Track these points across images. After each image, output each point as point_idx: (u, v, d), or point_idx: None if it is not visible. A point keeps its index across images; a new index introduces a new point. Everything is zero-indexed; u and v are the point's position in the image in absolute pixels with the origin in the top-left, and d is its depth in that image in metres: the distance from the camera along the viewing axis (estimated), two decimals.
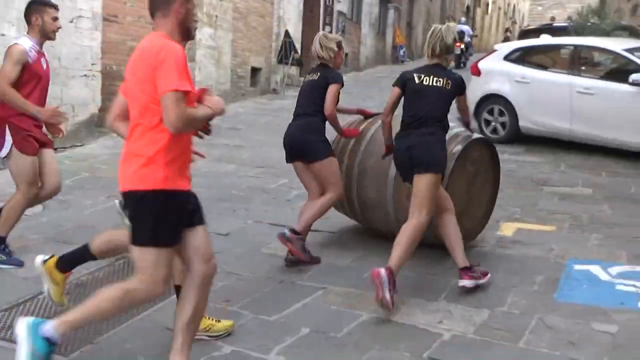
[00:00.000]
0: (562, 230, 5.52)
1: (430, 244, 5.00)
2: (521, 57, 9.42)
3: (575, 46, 8.94)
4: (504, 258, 4.84)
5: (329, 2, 17.98)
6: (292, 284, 4.37)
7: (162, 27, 2.98)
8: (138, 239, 2.91)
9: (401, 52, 25.49)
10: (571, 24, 15.56)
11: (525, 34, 17.04)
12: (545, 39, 9.67)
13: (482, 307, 3.94)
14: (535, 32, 16.67)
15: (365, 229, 5.50)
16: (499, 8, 50.95)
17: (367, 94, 15.35)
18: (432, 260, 4.78)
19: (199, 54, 11.08)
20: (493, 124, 9.52)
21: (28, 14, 4.51)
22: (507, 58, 9.48)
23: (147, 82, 2.81)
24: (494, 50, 9.85)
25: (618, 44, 8.65)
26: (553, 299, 4.06)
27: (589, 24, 13.87)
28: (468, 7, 40.94)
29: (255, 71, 13.82)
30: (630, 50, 8.42)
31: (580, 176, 7.52)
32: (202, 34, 11.13)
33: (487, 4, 46.76)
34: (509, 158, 8.52)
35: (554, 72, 9.05)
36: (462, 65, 20.73)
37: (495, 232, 5.47)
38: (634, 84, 7.93)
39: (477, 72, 9.78)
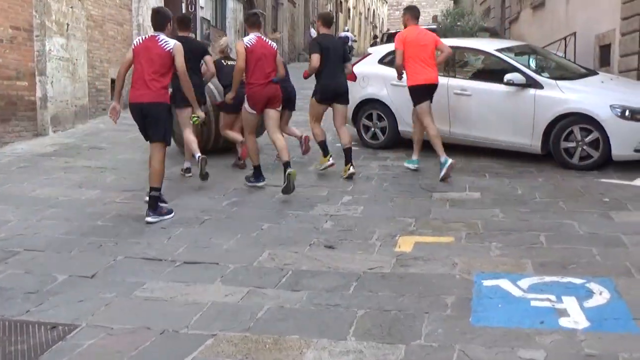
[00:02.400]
0: (461, 241, 5.23)
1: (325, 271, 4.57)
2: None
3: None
4: (408, 279, 4.44)
5: (191, 8, 17.18)
6: (175, 334, 3.71)
7: None
8: None
9: None
10: (440, 26, 15.78)
11: (391, 37, 17.11)
12: None
13: (396, 343, 3.49)
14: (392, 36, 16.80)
15: (248, 257, 4.93)
16: (360, 13, 52.10)
17: None
18: (330, 287, 4.30)
19: (49, 66, 9.97)
20: (372, 129, 9.25)
21: None
22: (382, 61, 9.23)
23: None
24: (368, 54, 9.60)
25: (490, 45, 8.65)
26: (470, 324, 3.69)
27: (456, 25, 14.07)
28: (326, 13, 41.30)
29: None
30: (501, 51, 8.44)
31: (465, 179, 7.36)
32: (52, 44, 10.03)
33: (349, 10, 47.61)
34: (392, 164, 8.30)
35: None
36: None
37: (394, 248, 5.08)
38: (508, 83, 7.91)
39: (352, 77, 9.45)
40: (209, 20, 18.39)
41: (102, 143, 9.61)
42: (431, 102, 7.63)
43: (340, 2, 44.79)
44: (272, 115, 6.95)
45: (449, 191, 6.87)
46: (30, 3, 9.74)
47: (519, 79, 7.85)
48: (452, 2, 48.59)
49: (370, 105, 9.21)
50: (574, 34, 11.68)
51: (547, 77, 7.98)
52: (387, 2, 65.03)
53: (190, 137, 7.30)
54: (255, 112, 6.92)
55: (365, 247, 5.13)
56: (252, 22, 7.15)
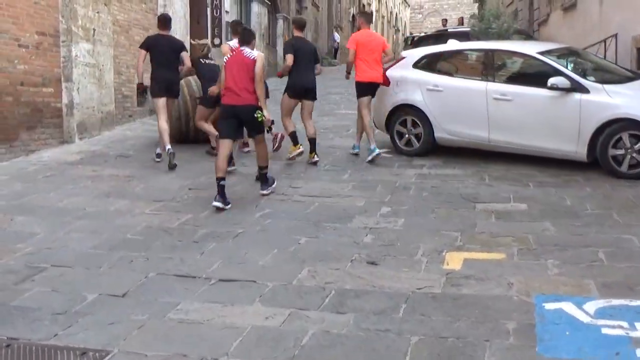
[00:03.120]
0: (513, 258, 4.88)
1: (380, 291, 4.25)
2: (431, 64, 8.88)
3: (487, 51, 8.48)
4: (461, 301, 4.11)
5: (216, 12, 16.99)
6: None
7: None
8: None
9: None
10: (474, 28, 15.33)
11: (420, 41, 16.77)
12: (454, 44, 9.18)
13: None
14: (430, 39, 16.47)
15: (286, 274, 4.63)
16: (383, 17, 51.78)
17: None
18: (377, 310, 3.99)
19: (76, 72, 9.78)
20: (406, 135, 8.92)
21: None
22: (416, 65, 8.91)
23: None
24: (402, 58, 9.28)
25: (531, 47, 8.27)
26: (537, 355, 3.35)
27: (490, 28, 13.60)
28: (354, 17, 41.16)
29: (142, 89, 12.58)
30: (543, 53, 8.06)
31: (508, 189, 7.00)
32: (79, 49, 9.85)
33: (372, 13, 47.29)
34: (429, 172, 7.96)
35: (468, 78, 8.57)
36: None
37: (442, 265, 4.76)
38: (552, 88, 7.54)
39: (386, 81, 9.14)
40: None
41: (129, 151, 9.39)
42: (373, 97, 8.72)
43: (363, 5, 44.51)
44: None
45: (492, 202, 6.52)
46: (56, 8, 9.57)
47: (563, 82, 7.47)
48: (477, 5, 48.03)
49: (405, 110, 8.88)
50: (615, 35, 11.21)
51: (593, 81, 7.59)
52: (409, 5, 64.58)
53: (163, 126, 8.27)
54: None
55: (410, 264, 4.81)
56: (234, 29, 8.79)
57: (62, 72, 9.68)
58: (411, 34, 43.29)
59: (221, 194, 6.34)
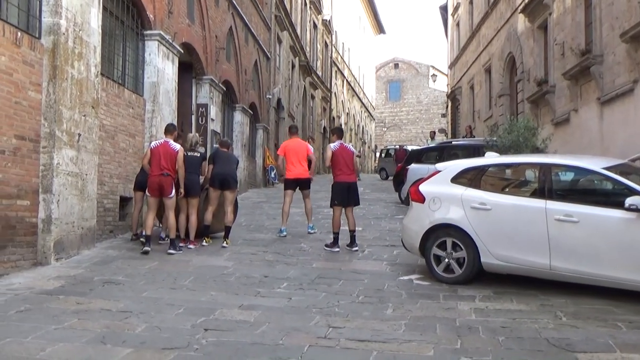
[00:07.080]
0: None
1: None
2: (475, 178, 7.82)
3: (542, 165, 7.47)
4: None
5: (201, 120, 16.05)
6: None
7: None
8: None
9: (272, 174, 23.89)
10: (488, 140, 14.52)
11: (421, 154, 15.99)
12: (495, 158, 8.18)
13: None
14: (433, 152, 15.78)
15: None
16: (351, 129, 52.10)
17: (259, 223, 13.24)
18: None
19: (56, 182, 8.43)
20: (446, 260, 7.71)
21: None
22: (456, 180, 7.86)
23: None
24: (437, 172, 8.21)
25: (594, 163, 7.31)
26: None
27: (526, 142, 12.73)
28: (325, 129, 41.10)
29: (124, 201, 11.23)
30: (609, 169, 7.08)
31: (598, 332, 5.75)
32: (62, 157, 8.55)
33: (341, 125, 47.47)
34: (486, 307, 6.68)
35: (521, 195, 7.51)
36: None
37: None
38: (631, 209, 6.51)
39: (419, 197, 8.04)
40: (219, 134, 17.21)
41: (118, 275, 7.89)
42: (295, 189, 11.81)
43: (333, 118, 44.68)
44: (166, 201, 9.69)
45: (594, 351, 5.22)
46: (38, 110, 8.36)
47: None
48: (444, 118, 48.62)
49: (444, 231, 7.73)
50: None
51: None
52: (374, 119, 65.59)
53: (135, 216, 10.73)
54: (151, 195, 9.64)
55: None
56: (167, 129, 10.16)
57: (40, 182, 8.33)
58: (386, 146, 43.22)
59: (351, 241, 10.00)
